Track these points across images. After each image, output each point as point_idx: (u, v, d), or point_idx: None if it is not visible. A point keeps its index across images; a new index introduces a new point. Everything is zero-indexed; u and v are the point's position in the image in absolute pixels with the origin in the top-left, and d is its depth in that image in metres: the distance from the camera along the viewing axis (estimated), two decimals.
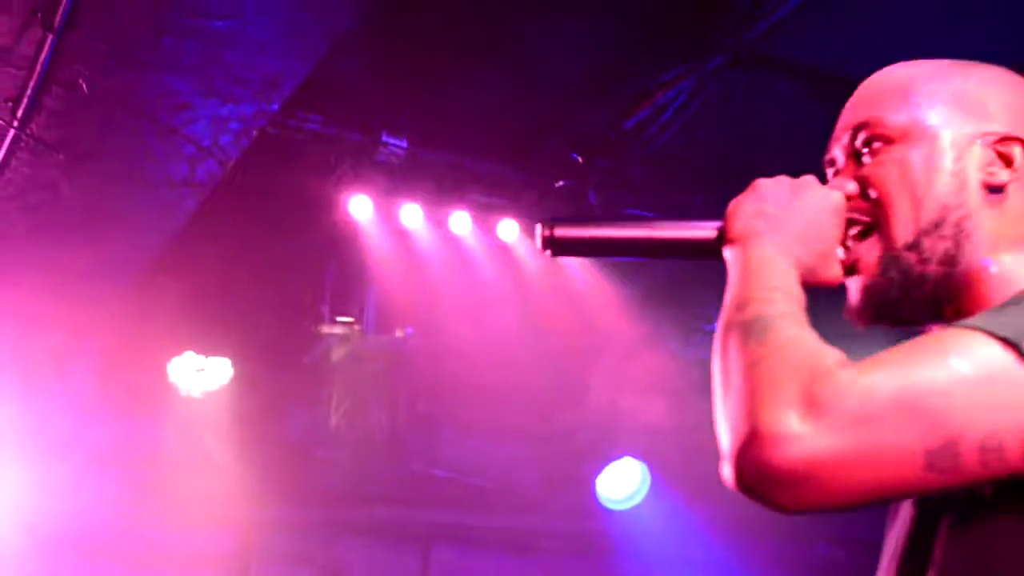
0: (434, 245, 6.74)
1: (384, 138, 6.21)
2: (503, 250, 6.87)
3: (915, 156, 1.68)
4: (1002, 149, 1.68)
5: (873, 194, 1.70)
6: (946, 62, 1.78)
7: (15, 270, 6.66)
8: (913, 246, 1.66)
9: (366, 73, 5.81)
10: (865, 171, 1.72)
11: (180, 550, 8.80)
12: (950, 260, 1.65)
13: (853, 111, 1.77)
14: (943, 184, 1.66)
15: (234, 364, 8.67)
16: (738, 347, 1.50)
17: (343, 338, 7.86)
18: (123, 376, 8.30)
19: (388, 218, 6.59)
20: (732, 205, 1.72)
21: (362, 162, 6.29)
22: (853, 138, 1.75)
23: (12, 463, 7.67)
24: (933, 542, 1.57)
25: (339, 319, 7.58)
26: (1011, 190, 1.68)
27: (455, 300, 7.03)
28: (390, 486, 9.22)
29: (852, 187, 1.73)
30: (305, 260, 7.16)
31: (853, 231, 1.72)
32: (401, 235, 6.73)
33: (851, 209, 1.72)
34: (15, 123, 5.11)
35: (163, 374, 8.66)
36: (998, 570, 1.48)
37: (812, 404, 1.37)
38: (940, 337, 1.44)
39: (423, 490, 9.34)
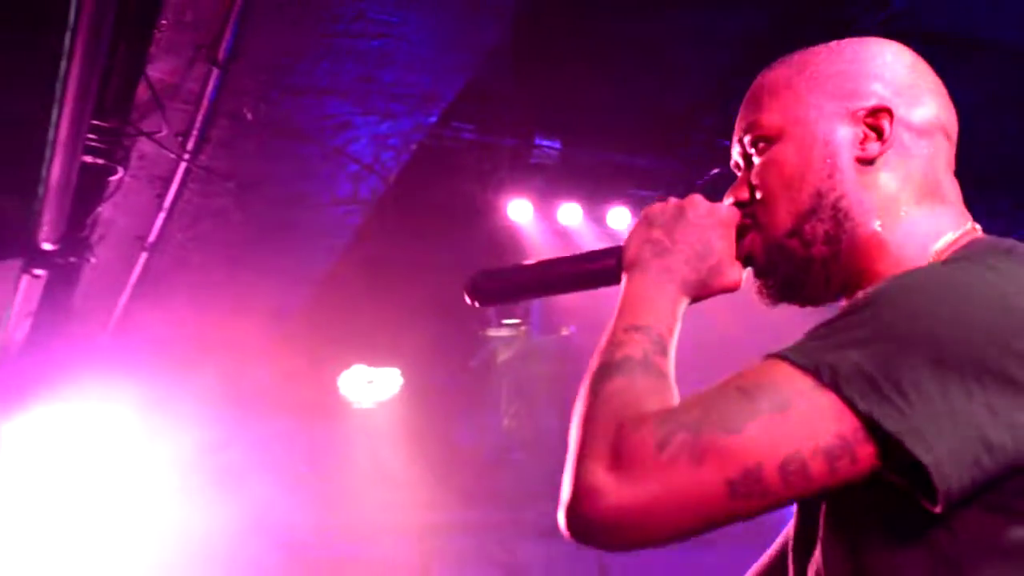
0: (594, 242, 6.79)
1: (537, 141, 6.29)
2: None
3: (788, 151, 1.76)
4: (872, 122, 1.74)
5: (759, 195, 1.79)
6: (820, 47, 1.83)
7: (189, 296, 6.88)
8: (794, 233, 1.74)
9: (515, 78, 5.88)
10: (752, 174, 1.80)
11: (364, 558, 8.98)
12: (832, 239, 1.73)
13: (740, 116, 1.84)
14: (815, 171, 1.73)
15: (403, 373, 8.84)
16: (583, 397, 1.59)
17: (509, 340, 7.96)
18: (297, 393, 8.50)
19: (547, 219, 6.67)
20: (628, 233, 1.84)
21: (518, 166, 6.37)
22: (742, 143, 1.83)
23: (203, 482, 7.91)
24: (814, 538, 1.65)
25: (505, 322, 7.68)
26: (888, 158, 1.74)
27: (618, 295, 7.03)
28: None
29: (745, 194, 1.81)
30: (468, 266, 7.25)
31: (749, 229, 1.81)
32: (561, 234, 6.79)
33: (746, 214, 1.81)
34: (186, 156, 5.28)
35: (335, 388, 8.87)
36: (865, 565, 1.54)
37: (617, 457, 1.46)
38: (746, 371, 1.50)
39: None
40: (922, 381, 1.41)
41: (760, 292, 1.82)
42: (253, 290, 6.80)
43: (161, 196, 5.71)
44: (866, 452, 1.43)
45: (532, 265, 1.95)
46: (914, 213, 1.73)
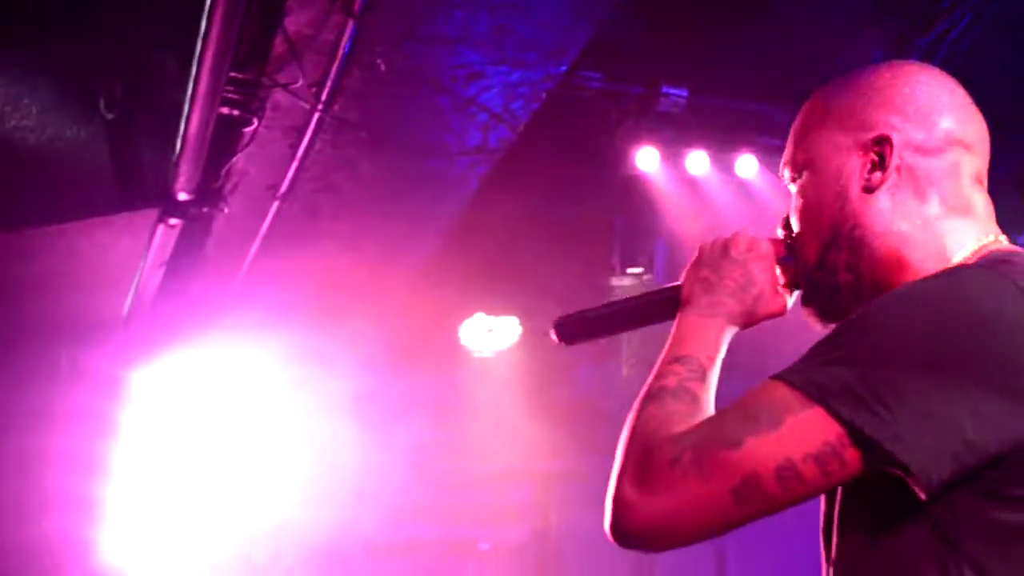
0: (722, 190, 6.76)
1: (665, 89, 6.26)
2: None
3: (809, 187, 1.95)
4: (876, 151, 1.89)
5: (794, 226, 2.00)
6: (840, 80, 2.00)
7: (318, 246, 6.97)
8: (820, 265, 1.95)
9: (641, 27, 5.85)
10: (790, 208, 2.02)
11: (483, 504, 9.09)
12: (852, 267, 1.91)
13: (785, 151, 2.05)
14: (830, 205, 1.92)
15: (522, 322, 8.88)
16: (627, 420, 1.85)
17: (631, 289, 7.94)
18: (419, 342, 8.59)
19: (674, 167, 6.64)
20: (683, 274, 2.08)
21: (645, 115, 6.36)
22: (784, 174, 2.04)
23: (331, 428, 8.05)
24: (833, 524, 1.86)
25: (629, 271, 7.68)
26: (894, 184, 1.89)
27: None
28: None
29: (787, 226, 2.03)
30: (594, 215, 7.26)
31: (789, 258, 2.03)
32: (689, 183, 6.77)
33: (788, 244, 2.02)
34: (319, 106, 5.34)
35: (455, 337, 8.95)
36: (876, 543, 1.74)
37: (641, 476, 1.72)
38: (749, 393, 1.72)
39: None
40: (903, 392, 1.61)
41: (808, 314, 2.01)
42: (380, 240, 6.88)
43: (294, 147, 5.77)
44: (853, 455, 1.64)
45: (607, 307, 2.20)
46: (934, 230, 1.87)
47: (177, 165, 5.40)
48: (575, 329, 2.20)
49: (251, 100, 5.33)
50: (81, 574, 7.22)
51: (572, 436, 8.82)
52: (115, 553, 7.40)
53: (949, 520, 1.65)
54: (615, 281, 7.77)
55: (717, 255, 2.04)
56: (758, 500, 1.66)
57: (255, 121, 5.43)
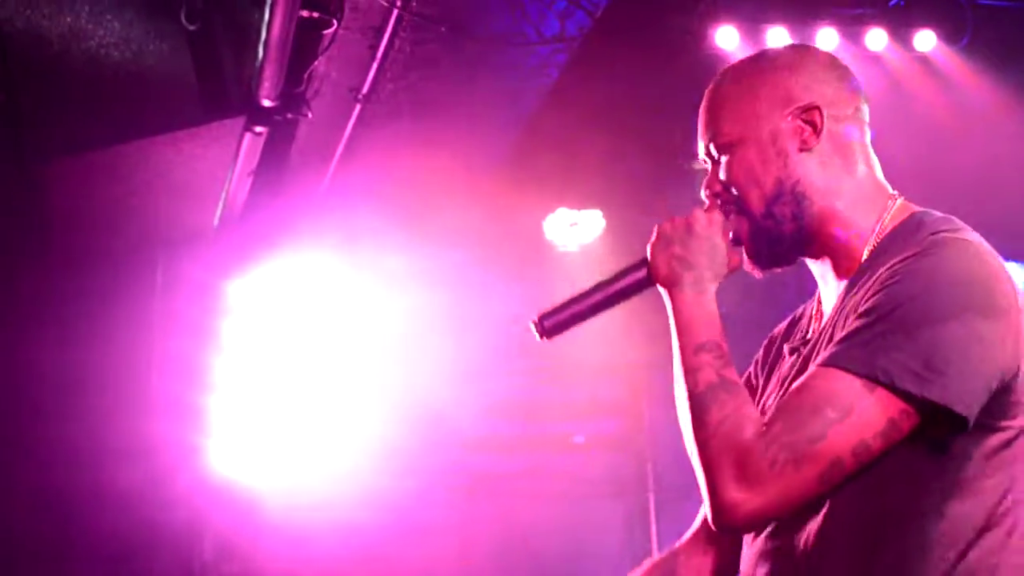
0: None
1: None
2: (874, 60, 6.75)
3: (749, 154, 2.25)
4: (807, 118, 2.24)
5: (733, 190, 2.28)
6: (757, 60, 2.36)
7: (402, 146, 7.00)
8: (768, 216, 2.26)
9: None
10: (723, 173, 2.29)
11: (576, 397, 9.12)
12: (796, 217, 2.25)
13: (702, 126, 2.34)
14: (772, 165, 2.24)
15: (605, 215, 8.85)
16: (692, 423, 2.12)
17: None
18: (503, 238, 8.59)
19: (755, 45, 6.55)
20: (650, 252, 2.31)
21: None
22: (708, 148, 2.32)
23: (423, 329, 8.11)
24: None
25: None
26: (824, 146, 2.26)
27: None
28: (767, 315, 9.23)
29: (718, 187, 2.31)
30: (674, 99, 7.21)
31: (731, 215, 2.29)
32: None
33: (724, 202, 2.30)
34: (398, 3, 5.34)
35: (540, 232, 8.94)
36: (880, 506, 2.08)
37: (742, 478, 2.03)
38: (810, 385, 2.05)
39: None
40: (951, 358, 1.96)
41: (751, 264, 2.33)
42: (463, 135, 6.88)
43: (373, 47, 5.78)
44: (910, 423, 2.00)
45: (580, 296, 2.39)
46: (855, 185, 2.26)
47: (260, 71, 5.45)
48: (553, 325, 2.39)
49: (330, 1, 5.35)
50: (191, 480, 7.40)
51: (663, 326, 8.80)
52: (224, 460, 7.56)
53: (954, 455, 2.05)
54: (697, 166, 7.71)
55: (682, 233, 2.28)
56: (838, 478, 2.02)
57: (335, 23, 5.45)
